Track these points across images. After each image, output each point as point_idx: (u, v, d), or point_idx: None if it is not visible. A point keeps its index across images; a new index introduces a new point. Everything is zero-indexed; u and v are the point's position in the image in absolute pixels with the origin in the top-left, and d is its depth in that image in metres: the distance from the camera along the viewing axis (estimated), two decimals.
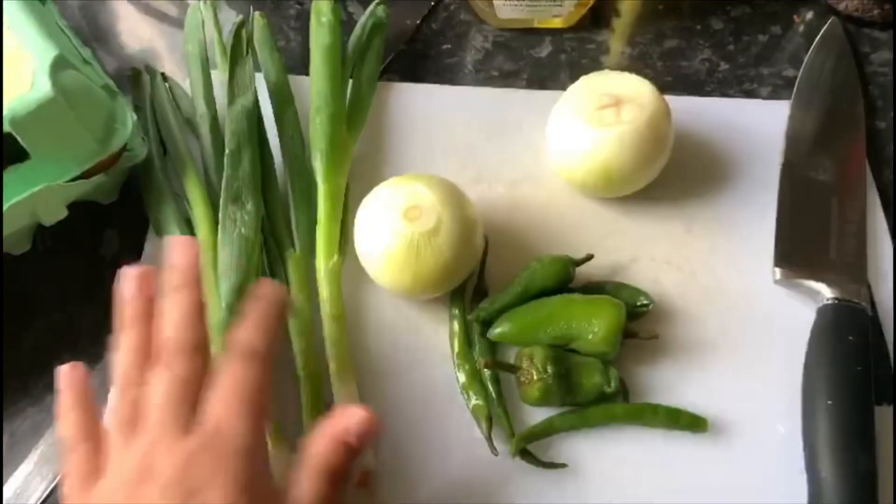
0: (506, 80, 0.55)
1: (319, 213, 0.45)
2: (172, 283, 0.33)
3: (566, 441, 0.41)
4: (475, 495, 0.40)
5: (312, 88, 0.48)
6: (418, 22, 0.58)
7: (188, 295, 0.33)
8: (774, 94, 0.54)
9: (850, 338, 0.41)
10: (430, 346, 0.44)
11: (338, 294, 0.43)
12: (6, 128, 0.38)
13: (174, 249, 0.34)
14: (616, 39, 0.58)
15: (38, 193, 0.40)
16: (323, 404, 0.40)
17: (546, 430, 0.41)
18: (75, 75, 0.41)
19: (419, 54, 0.57)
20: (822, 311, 0.43)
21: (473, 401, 0.41)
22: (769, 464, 0.40)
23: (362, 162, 0.50)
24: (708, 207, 0.49)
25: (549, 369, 0.39)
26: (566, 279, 0.43)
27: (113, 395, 0.38)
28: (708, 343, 0.44)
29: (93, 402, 0.34)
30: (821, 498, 0.38)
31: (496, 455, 0.40)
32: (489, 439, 0.40)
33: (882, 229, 0.48)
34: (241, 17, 0.49)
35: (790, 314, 0.44)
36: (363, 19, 0.53)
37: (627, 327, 0.41)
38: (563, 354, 0.41)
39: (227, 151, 0.45)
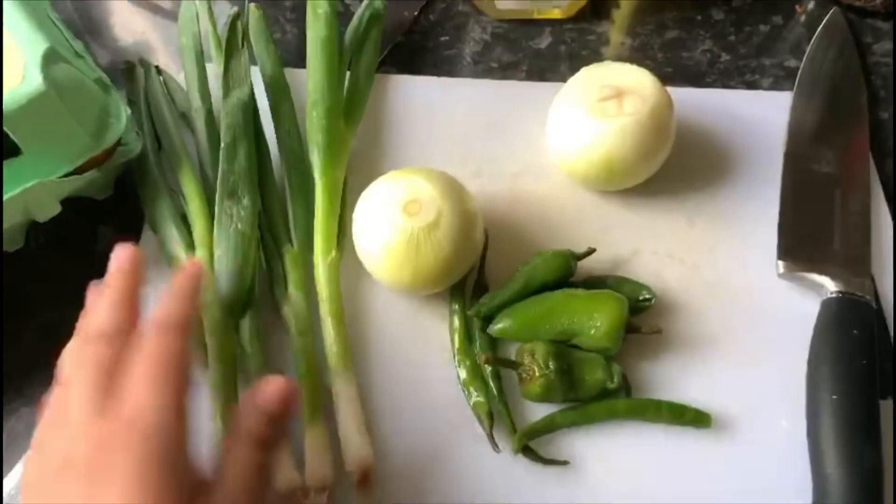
0: (505, 72, 0.55)
1: (317, 208, 0.44)
2: (109, 271, 0.34)
3: (568, 437, 0.41)
4: (477, 493, 0.39)
5: (309, 81, 0.47)
6: (416, 13, 0.57)
7: (119, 279, 0.33)
8: (776, 85, 0.54)
9: (855, 331, 0.41)
10: (431, 342, 0.43)
11: (336, 290, 0.43)
12: None
13: (116, 253, 0.35)
14: (616, 30, 0.57)
15: (31, 189, 0.40)
16: (321, 401, 0.40)
17: (548, 427, 0.40)
18: (67, 69, 0.41)
19: (417, 46, 0.56)
20: (826, 305, 0.43)
21: (474, 397, 0.41)
22: (773, 459, 0.40)
23: (360, 156, 0.49)
24: (710, 200, 0.48)
25: (551, 365, 0.39)
26: (567, 274, 0.43)
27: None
28: (711, 338, 0.43)
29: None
30: (825, 493, 0.37)
31: (498, 452, 0.39)
32: (490, 436, 0.39)
33: (886, 221, 0.47)
34: (236, 8, 0.49)
35: (794, 308, 0.44)
36: (360, 11, 0.52)
37: (630, 322, 0.41)
38: (564, 350, 0.40)
39: (222, 145, 0.44)
